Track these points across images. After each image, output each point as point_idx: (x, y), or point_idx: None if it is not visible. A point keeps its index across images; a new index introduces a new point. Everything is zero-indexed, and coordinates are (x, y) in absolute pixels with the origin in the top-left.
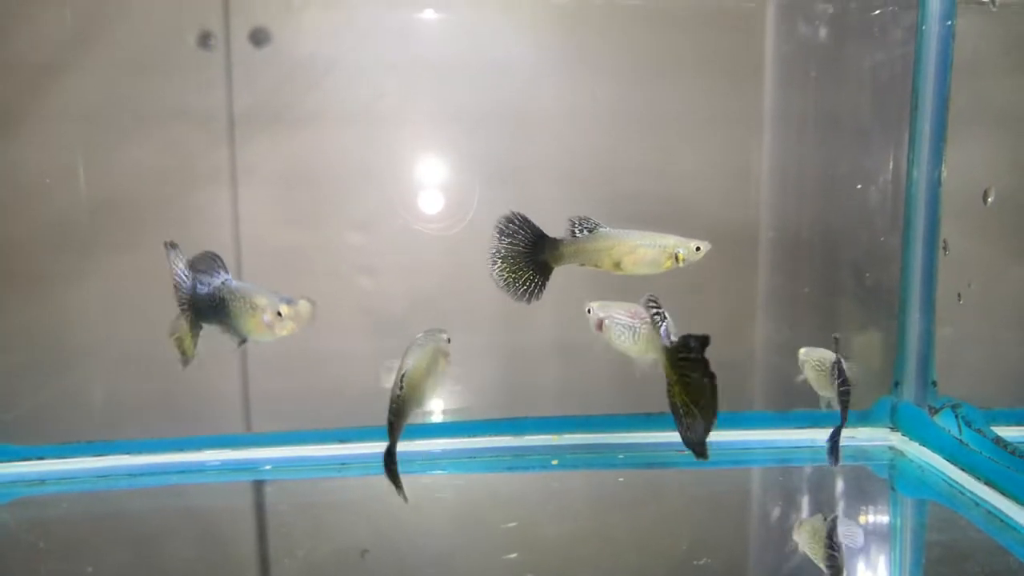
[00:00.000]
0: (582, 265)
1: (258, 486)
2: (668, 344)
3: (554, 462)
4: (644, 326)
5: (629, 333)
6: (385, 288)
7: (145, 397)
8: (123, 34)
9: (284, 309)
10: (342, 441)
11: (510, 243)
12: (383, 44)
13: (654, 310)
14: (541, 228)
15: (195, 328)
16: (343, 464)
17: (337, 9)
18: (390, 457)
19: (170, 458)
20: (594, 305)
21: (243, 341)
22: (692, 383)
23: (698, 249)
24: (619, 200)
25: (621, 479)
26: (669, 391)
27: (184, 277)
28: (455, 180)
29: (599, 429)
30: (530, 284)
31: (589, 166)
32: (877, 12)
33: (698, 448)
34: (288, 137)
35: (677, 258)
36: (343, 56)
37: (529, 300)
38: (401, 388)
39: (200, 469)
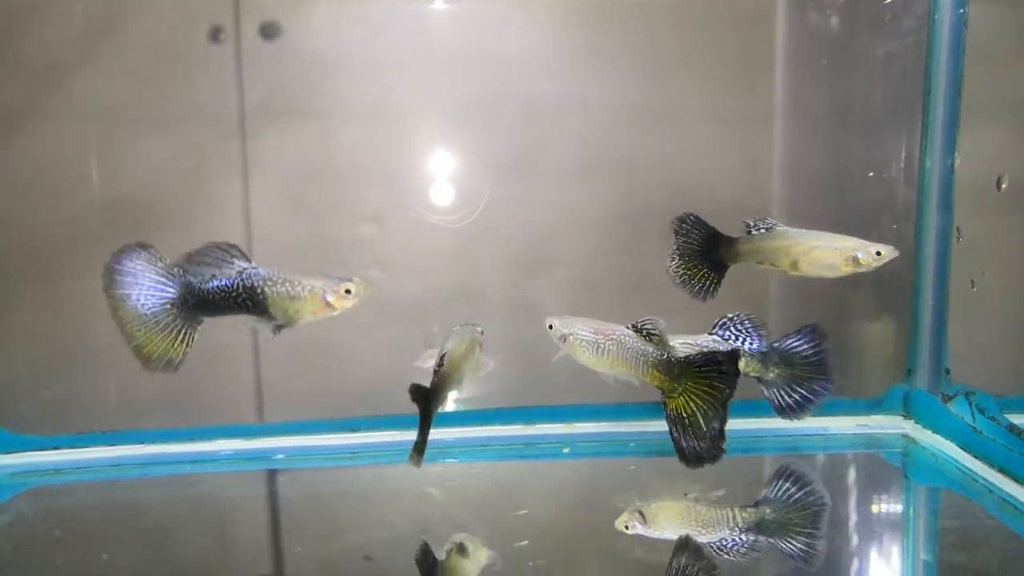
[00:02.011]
0: (759, 264)
1: (270, 475)
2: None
3: (565, 450)
4: (609, 342)
5: (592, 348)
6: (396, 280)
7: (158, 389)
8: (135, 31)
9: (352, 287)
10: (353, 430)
11: (685, 242)
12: (394, 37)
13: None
14: (715, 227)
15: (193, 325)
16: (354, 453)
17: (347, 2)
18: (425, 421)
19: (183, 447)
20: (555, 321)
21: (280, 327)
22: (713, 395)
23: (879, 254)
24: (630, 193)
25: (632, 467)
26: (673, 400)
27: (164, 276)
28: (466, 173)
29: (610, 418)
30: (705, 281)
31: (601, 158)
32: (888, 1)
33: (695, 460)
34: (299, 131)
35: (857, 262)
36: (354, 49)
37: (705, 298)
38: (441, 365)
39: (212, 458)
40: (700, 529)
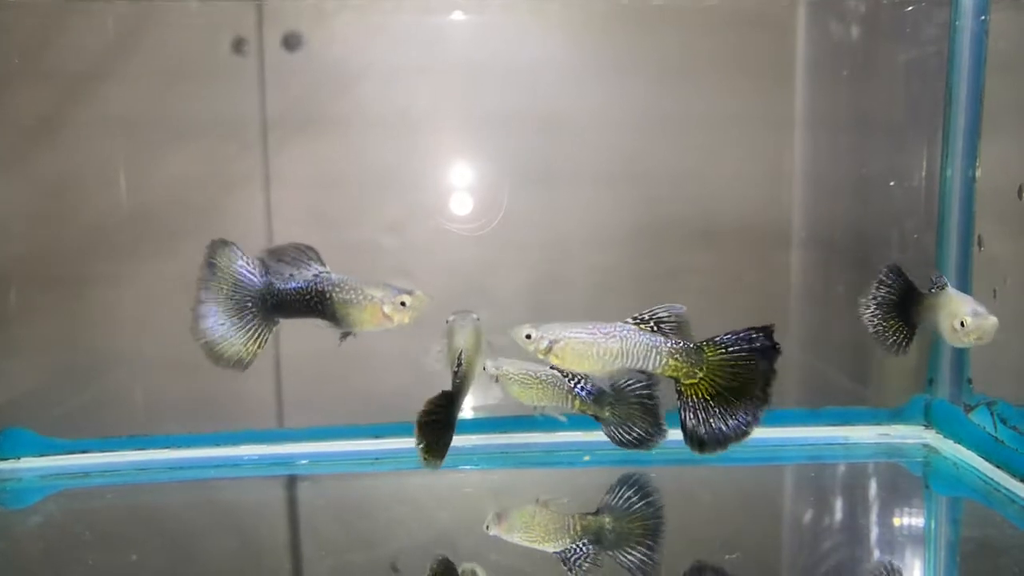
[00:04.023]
0: (934, 330)
1: (293, 480)
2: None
3: (586, 458)
4: (610, 340)
5: (592, 350)
6: (417, 288)
7: (182, 395)
8: (160, 42)
9: (408, 299)
10: (376, 437)
11: (887, 292)
12: (415, 48)
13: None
14: (913, 282)
15: (268, 326)
16: (376, 459)
17: (369, 13)
18: (448, 426)
19: (208, 452)
20: (531, 330)
21: (347, 334)
22: (740, 374)
23: (962, 324)
24: (649, 203)
25: (653, 475)
26: (693, 387)
27: (250, 274)
28: (486, 182)
29: None
30: (899, 335)
31: (620, 167)
32: (910, 9)
33: (716, 444)
34: (320, 140)
35: (962, 327)
36: (375, 60)
37: (897, 353)
38: (460, 365)
39: (237, 463)
40: (543, 536)
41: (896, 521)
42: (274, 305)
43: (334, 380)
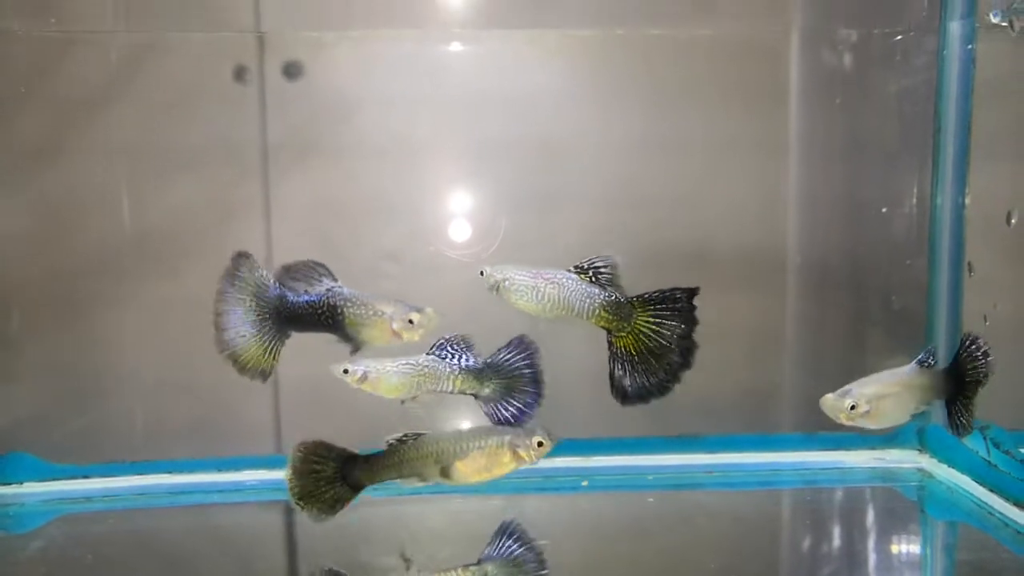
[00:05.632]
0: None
1: (292, 505)
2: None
3: (584, 483)
4: (549, 286)
5: (531, 293)
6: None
7: (183, 419)
8: (163, 70)
9: (416, 316)
10: None
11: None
12: (413, 76)
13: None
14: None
15: (281, 338)
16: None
17: (368, 43)
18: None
19: (209, 477)
20: (487, 268)
21: (356, 349)
22: (664, 333)
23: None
24: (646, 229)
25: (651, 500)
26: (622, 340)
27: (266, 287)
28: (484, 208)
29: (628, 451)
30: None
31: (615, 195)
32: (899, 38)
33: (639, 397)
34: (320, 168)
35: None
36: (374, 88)
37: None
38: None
39: (238, 488)
40: None
41: (891, 546)
42: (287, 318)
43: (333, 405)
